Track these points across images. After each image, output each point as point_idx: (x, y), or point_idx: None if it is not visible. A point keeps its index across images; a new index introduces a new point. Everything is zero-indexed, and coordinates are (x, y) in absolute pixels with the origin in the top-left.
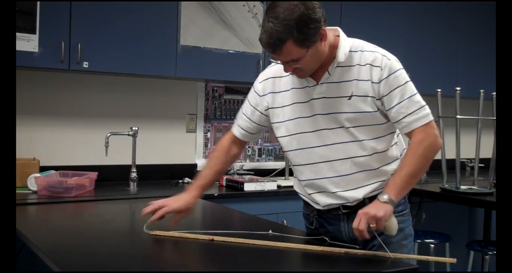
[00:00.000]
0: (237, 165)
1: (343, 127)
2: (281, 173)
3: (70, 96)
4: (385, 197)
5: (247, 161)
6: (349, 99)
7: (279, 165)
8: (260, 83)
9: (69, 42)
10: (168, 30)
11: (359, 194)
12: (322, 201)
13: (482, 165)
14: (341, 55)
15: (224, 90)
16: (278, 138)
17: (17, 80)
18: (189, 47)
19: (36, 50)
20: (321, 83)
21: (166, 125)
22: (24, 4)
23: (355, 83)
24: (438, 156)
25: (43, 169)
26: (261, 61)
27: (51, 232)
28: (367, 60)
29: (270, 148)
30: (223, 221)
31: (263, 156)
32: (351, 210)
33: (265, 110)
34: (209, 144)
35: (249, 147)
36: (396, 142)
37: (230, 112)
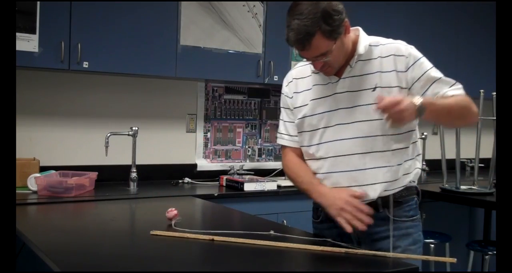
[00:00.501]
0: (237, 165)
1: (365, 121)
2: (281, 173)
3: (70, 96)
4: (419, 104)
5: (247, 161)
6: (373, 90)
7: (279, 165)
8: (286, 87)
9: (69, 42)
10: (168, 30)
11: (372, 191)
12: None
13: (482, 165)
14: (361, 47)
15: (224, 90)
16: (299, 133)
17: (17, 80)
18: (189, 47)
19: (36, 50)
20: (343, 78)
21: (166, 125)
22: (24, 4)
23: (378, 75)
24: (438, 156)
25: (43, 169)
26: (261, 61)
27: (51, 232)
28: (390, 51)
29: (270, 148)
30: (223, 221)
31: (263, 156)
32: None
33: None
34: (209, 144)
35: (249, 147)
36: (415, 142)
37: (230, 112)
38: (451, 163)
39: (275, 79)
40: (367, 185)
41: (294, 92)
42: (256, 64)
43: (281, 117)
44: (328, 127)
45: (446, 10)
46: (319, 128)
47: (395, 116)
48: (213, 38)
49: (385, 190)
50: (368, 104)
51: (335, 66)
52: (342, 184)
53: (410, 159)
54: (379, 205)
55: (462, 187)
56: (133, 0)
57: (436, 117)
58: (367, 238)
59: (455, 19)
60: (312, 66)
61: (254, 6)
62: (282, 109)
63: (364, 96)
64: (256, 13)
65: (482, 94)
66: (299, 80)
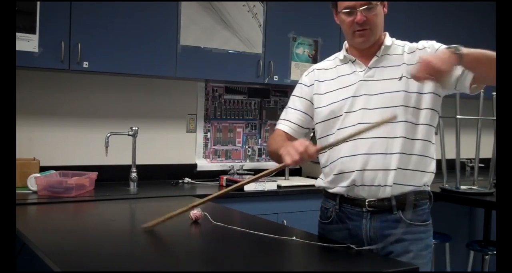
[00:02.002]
0: (237, 165)
1: (388, 107)
2: (281, 173)
3: (70, 96)
4: (454, 45)
5: (247, 161)
6: (399, 80)
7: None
8: (306, 76)
9: (69, 42)
10: (168, 30)
11: (387, 177)
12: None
13: (482, 165)
14: (388, 40)
15: (224, 90)
16: (317, 124)
17: (17, 80)
18: (189, 47)
19: (36, 50)
20: (370, 67)
21: (166, 125)
22: (24, 4)
23: (404, 66)
24: (438, 156)
25: (43, 169)
26: (261, 61)
27: (51, 232)
28: (414, 48)
29: None
30: (223, 221)
31: (263, 156)
32: (376, 209)
33: (311, 96)
34: (209, 144)
35: (249, 147)
36: (434, 144)
37: (230, 112)
38: (451, 163)
39: (275, 79)
40: (382, 170)
41: (316, 80)
42: (256, 64)
43: (288, 105)
44: (351, 112)
45: (446, 9)
46: (342, 114)
47: (436, 79)
48: (213, 38)
49: (401, 184)
50: (393, 92)
51: (373, 33)
52: (358, 167)
53: (427, 157)
54: (393, 207)
55: (462, 187)
56: (133, 0)
57: (476, 61)
58: (379, 240)
59: (455, 19)
60: (339, 58)
61: (254, 6)
62: (293, 97)
63: (389, 84)
64: (256, 13)
65: (482, 94)
66: (321, 71)
